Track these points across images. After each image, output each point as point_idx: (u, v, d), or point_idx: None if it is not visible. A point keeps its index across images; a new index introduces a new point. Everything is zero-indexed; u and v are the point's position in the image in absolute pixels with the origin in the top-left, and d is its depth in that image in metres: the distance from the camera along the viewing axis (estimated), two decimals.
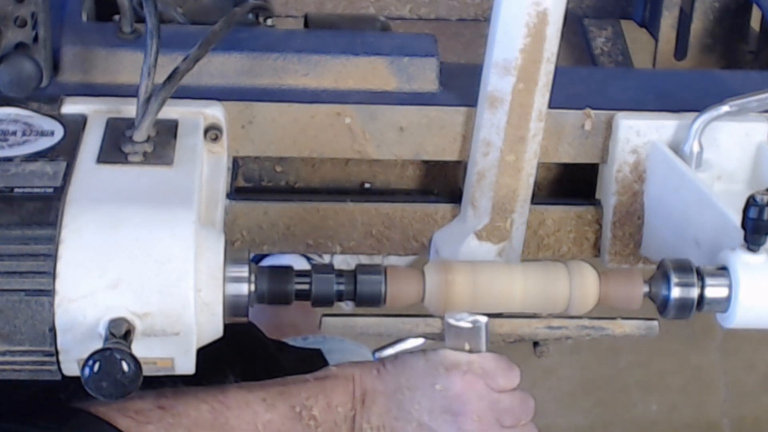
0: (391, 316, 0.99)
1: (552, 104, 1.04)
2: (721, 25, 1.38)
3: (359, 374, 1.00)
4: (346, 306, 1.68)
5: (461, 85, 1.09)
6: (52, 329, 0.84)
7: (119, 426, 0.94)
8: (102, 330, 0.84)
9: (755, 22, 1.38)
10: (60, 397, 0.96)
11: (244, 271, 0.91)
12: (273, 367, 1.33)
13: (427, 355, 0.98)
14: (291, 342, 1.57)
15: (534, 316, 1.00)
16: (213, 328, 0.89)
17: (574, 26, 1.46)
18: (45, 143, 0.95)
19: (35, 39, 0.99)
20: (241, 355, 1.26)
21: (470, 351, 0.98)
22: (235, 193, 1.12)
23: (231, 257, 0.90)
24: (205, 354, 0.89)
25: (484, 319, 0.96)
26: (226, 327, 0.90)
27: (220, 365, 1.10)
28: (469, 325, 0.96)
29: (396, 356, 1.00)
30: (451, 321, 0.97)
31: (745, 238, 0.93)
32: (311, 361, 1.41)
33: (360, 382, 0.99)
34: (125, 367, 0.81)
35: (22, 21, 0.97)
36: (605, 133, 1.09)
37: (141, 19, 1.00)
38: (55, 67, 1.05)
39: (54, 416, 0.94)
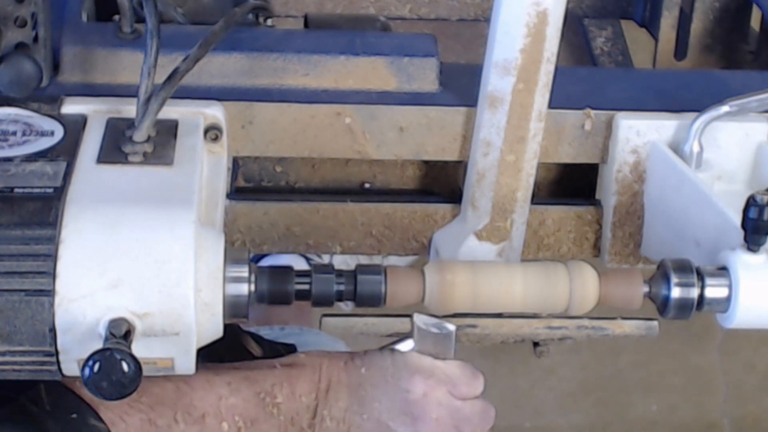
0: (391, 316, 0.99)
1: (552, 104, 1.04)
2: (721, 25, 1.38)
3: (327, 364, 1.00)
4: (346, 306, 1.69)
5: (461, 85, 1.09)
6: (52, 329, 0.84)
7: (82, 396, 0.94)
8: (102, 330, 0.84)
9: (755, 22, 1.38)
10: None
11: (244, 271, 0.91)
12: (243, 357, 1.32)
13: (394, 355, 0.99)
14: (267, 332, 1.56)
15: (534, 316, 1.00)
16: (213, 328, 0.89)
17: (574, 26, 1.46)
18: (45, 143, 0.95)
19: (35, 39, 0.99)
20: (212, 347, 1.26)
21: (437, 356, 0.98)
22: (235, 193, 1.12)
23: (231, 257, 0.90)
24: None
25: (452, 326, 0.97)
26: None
27: None
28: (437, 330, 0.97)
29: (366, 351, 1.00)
30: (420, 324, 0.97)
31: (745, 238, 0.93)
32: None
33: (326, 372, 0.99)
34: (125, 367, 0.81)
35: (22, 21, 0.97)
36: (605, 133, 1.09)
37: (141, 19, 1.00)
38: (55, 67, 1.05)
39: (18, 381, 0.94)
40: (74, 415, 0.94)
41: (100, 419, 0.94)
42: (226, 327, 0.91)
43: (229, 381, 0.98)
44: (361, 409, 0.98)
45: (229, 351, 1.27)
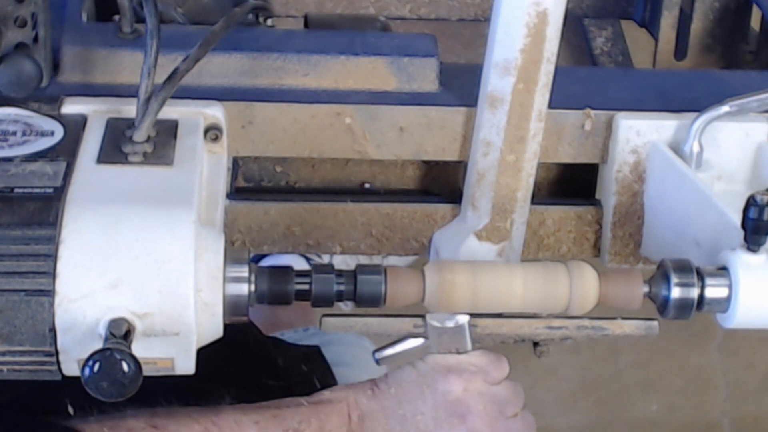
0: (391, 316, 0.99)
1: (552, 104, 1.04)
2: (721, 25, 1.38)
3: (353, 397, 0.99)
4: (345, 306, 1.68)
5: (461, 85, 1.09)
6: (52, 329, 0.84)
7: None
8: (102, 330, 0.84)
9: (755, 22, 1.38)
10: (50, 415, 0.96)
11: (244, 271, 0.90)
12: (269, 366, 1.32)
13: (416, 366, 0.99)
14: (289, 336, 1.56)
15: (534, 316, 1.00)
16: (213, 328, 0.89)
17: (574, 26, 1.46)
18: (45, 143, 0.95)
19: (35, 39, 0.99)
20: (237, 355, 1.26)
21: (456, 351, 0.98)
22: (235, 193, 1.12)
23: (231, 257, 0.90)
24: (203, 369, 0.89)
25: (465, 317, 0.97)
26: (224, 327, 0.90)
27: (217, 385, 1.10)
28: (452, 325, 0.97)
29: (386, 374, 1.00)
30: (435, 323, 0.97)
31: (745, 238, 0.93)
32: (309, 359, 1.40)
33: (355, 405, 0.99)
34: (125, 367, 0.81)
35: (22, 21, 0.97)
36: (605, 133, 1.09)
37: (141, 19, 1.00)
38: (55, 67, 1.05)
39: (25, 414, 0.94)
40: None
41: None
42: (248, 336, 0.90)
43: (257, 420, 0.98)
44: (405, 428, 0.98)
45: (254, 361, 1.28)
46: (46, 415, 0.94)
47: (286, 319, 1.72)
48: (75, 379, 0.83)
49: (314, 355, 1.43)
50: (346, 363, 1.46)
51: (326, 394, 1.01)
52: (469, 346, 0.98)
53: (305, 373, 1.34)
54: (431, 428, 0.97)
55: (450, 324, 0.97)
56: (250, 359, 1.28)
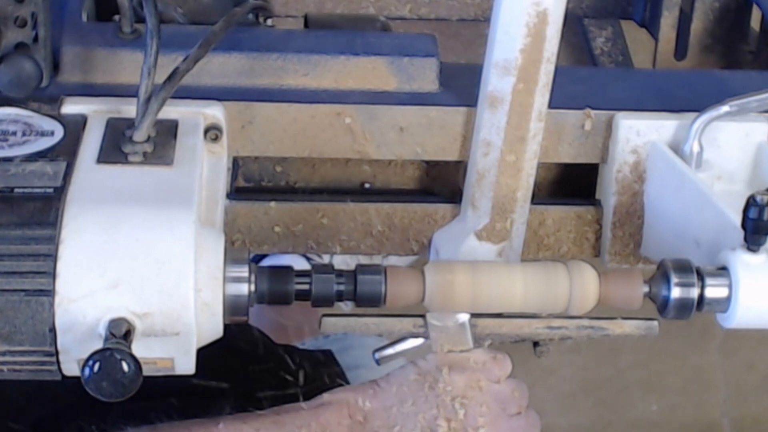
0: (391, 316, 0.99)
1: (552, 104, 1.04)
2: (721, 25, 1.38)
3: (354, 398, 0.99)
4: (345, 306, 1.68)
5: (461, 85, 1.09)
6: (52, 329, 0.84)
7: None
8: (102, 330, 0.84)
9: (755, 22, 1.38)
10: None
11: (244, 271, 0.90)
12: (283, 372, 1.32)
13: (417, 364, 0.99)
14: (311, 343, 1.56)
15: (534, 316, 1.00)
16: (213, 328, 0.89)
17: (574, 26, 1.46)
18: (45, 143, 0.95)
19: (35, 39, 0.99)
20: (247, 363, 1.26)
21: (458, 349, 0.98)
22: (235, 193, 1.12)
23: (231, 257, 0.90)
24: (204, 377, 0.88)
25: (465, 316, 0.97)
26: (229, 330, 0.90)
27: (218, 395, 1.10)
28: (453, 323, 0.97)
29: (387, 375, 1.00)
30: (435, 322, 0.97)
31: (745, 238, 0.93)
32: (321, 364, 1.40)
33: (356, 405, 0.99)
34: (125, 367, 0.81)
35: (22, 21, 0.97)
36: (605, 133, 1.09)
37: (141, 19, 1.00)
38: (55, 67, 1.05)
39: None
40: None
41: None
42: (258, 343, 0.90)
43: (258, 428, 0.98)
44: (407, 427, 0.98)
45: (265, 368, 1.28)
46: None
47: (293, 325, 1.72)
48: (78, 405, 0.83)
49: (325, 359, 1.43)
50: (368, 366, 1.46)
51: (326, 397, 1.01)
52: (470, 344, 0.98)
53: (314, 377, 1.34)
54: (434, 425, 0.97)
55: (451, 323, 0.97)
56: (261, 366, 1.28)
